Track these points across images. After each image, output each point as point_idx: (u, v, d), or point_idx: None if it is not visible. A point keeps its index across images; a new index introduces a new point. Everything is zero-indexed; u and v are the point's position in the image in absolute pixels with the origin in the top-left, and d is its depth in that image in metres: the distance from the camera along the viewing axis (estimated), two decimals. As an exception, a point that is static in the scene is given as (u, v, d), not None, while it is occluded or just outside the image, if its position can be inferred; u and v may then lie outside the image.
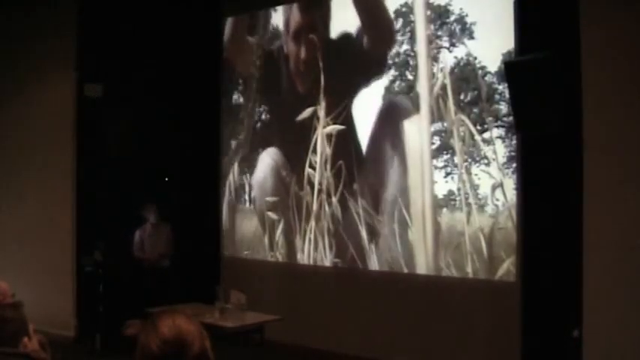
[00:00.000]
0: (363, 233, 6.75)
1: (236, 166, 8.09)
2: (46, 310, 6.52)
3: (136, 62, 7.47)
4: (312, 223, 7.19)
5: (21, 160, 7.97)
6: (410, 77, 6.48)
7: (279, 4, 7.66)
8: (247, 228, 7.93)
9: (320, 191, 7.13)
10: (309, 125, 7.21)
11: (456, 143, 6.09)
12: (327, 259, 7.07)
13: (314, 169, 7.18)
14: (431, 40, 6.30)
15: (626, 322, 4.42)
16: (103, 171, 7.31)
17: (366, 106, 6.78)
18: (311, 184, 7.22)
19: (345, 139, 6.92)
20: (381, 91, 6.68)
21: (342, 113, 6.96)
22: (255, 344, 6.02)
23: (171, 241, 7.33)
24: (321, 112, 7.12)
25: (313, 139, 7.18)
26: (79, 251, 7.27)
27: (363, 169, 6.77)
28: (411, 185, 6.40)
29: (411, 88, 6.47)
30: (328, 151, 7.04)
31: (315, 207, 7.17)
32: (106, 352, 6.59)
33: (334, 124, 7.01)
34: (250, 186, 7.92)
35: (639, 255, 4.37)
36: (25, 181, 7.94)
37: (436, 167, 6.23)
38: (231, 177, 8.15)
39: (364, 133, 6.79)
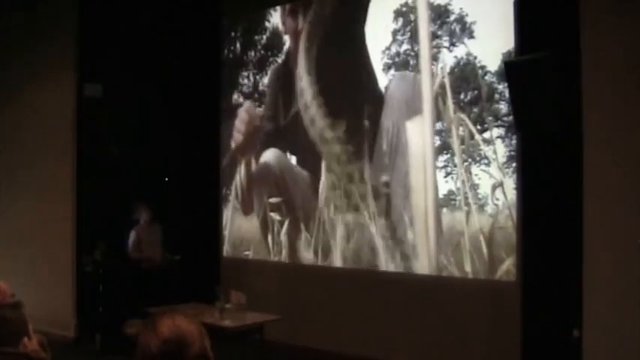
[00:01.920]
0: (365, 233, 6.75)
1: (236, 165, 8.09)
2: (46, 310, 6.53)
3: (136, 62, 7.48)
4: (313, 223, 7.19)
5: (21, 159, 7.97)
6: (410, 77, 6.47)
7: (278, 4, 7.66)
8: (248, 228, 7.93)
9: (322, 191, 7.13)
10: (314, 124, 7.21)
11: (456, 143, 6.09)
12: (327, 259, 7.06)
13: (316, 168, 7.18)
14: (431, 39, 6.30)
15: (626, 322, 4.42)
16: (103, 171, 7.31)
17: (369, 106, 6.78)
18: (314, 184, 7.22)
19: (349, 138, 6.92)
20: (382, 92, 6.68)
21: (345, 113, 6.96)
22: (255, 344, 6.02)
23: (163, 240, 7.33)
24: (326, 112, 7.12)
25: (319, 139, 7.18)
26: (79, 251, 7.27)
27: (366, 168, 6.76)
28: (413, 185, 6.40)
29: (411, 88, 6.46)
30: (333, 151, 7.04)
31: (316, 207, 7.17)
32: (106, 352, 6.58)
33: (339, 122, 7.01)
34: (251, 186, 7.92)
35: (639, 255, 4.36)
36: (25, 181, 7.95)
37: (436, 167, 6.23)
38: (232, 176, 8.15)
39: (367, 133, 6.78)
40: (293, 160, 7.48)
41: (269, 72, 7.77)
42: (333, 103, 7.05)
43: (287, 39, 7.59)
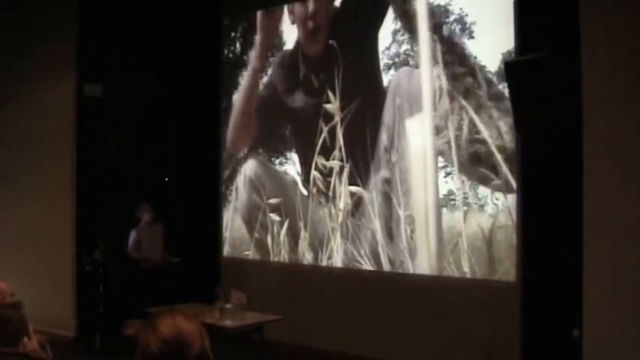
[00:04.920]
0: (365, 234, 6.74)
1: (236, 166, 8.09)
2: (46, 310, 6.53)
3: (136, 62, 7.48)
4: (314, 223, 7.19)
5: (21, 159, 7.96)
6: (410, 77, 6.47)
7: (279, 4, 7.66)
8: (248, 228, 7.92)
9: (323, 192, 7.13)
10: (315, 124, 7.19)
11: (456, 143, 6.09)
12: (327, 259, 7.06)
13: (318, 169, 7.18)
14: (431, 39, 6.29)
15: (626, 322, 4.42)
16: (103, 171, 7.31)
17: (371, 107, 6.78)
18: (314, 185, 7.22)
19: (352, 139, 6.91)
20: (384, 92, 6.67)
21: (347, 114, 6.95)
22: (255, 344, 6.02)
23: (164, 241, 7.31)
24: (327, 111, 7.12)
25: (318, 139, 7.16)
26: (79, 251, 7.27)
27: (367, 168, 6.76)
28: (413, 185, 6.40)
29: (411, 87, 6.46)
30: (335, 153, 7.02)
31: (317, 208, 7.16)
32: (106, 352, 6.58)
33: (341, 122, 6.99)
34: (252, 186, 7.91)
35: (639, 255, 4.37)
36: (25, 181, 7.94)
37: (437, 167, 6.22)
38: (233, 176, 8.15)
39: (370, 133, 6.76)
40: (295, 159, 7.48)
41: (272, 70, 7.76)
42: (339, 104, 7.05)
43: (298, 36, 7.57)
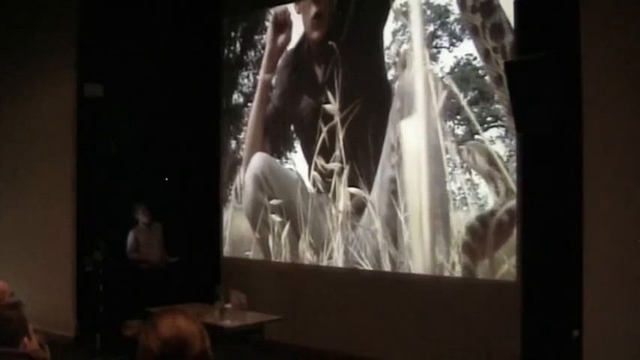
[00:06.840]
0: (366, 234, 6.74)
1: (237, 166, 8.09)
2: (46, 310, 6.53)
3: (136, 62, 7.47)
4: (315, 223, 7.19)
5: (21, 159, 7.97)
6: (410, 77, 6.47)
7: (279, 4, 7.65)
8: (249, 228, 7.91)
9: (323, 192, 7.13)
10: (315, 125, 7.19)
11: (456, 143, 6.09)
12: (327, 260, 7.06)
13: (318, 170, 7.17)
14: (431, 40, 6.30)
15: (626, 322, 4.42)
16: (103, 171, 7.30)
17: (373, 107, 6.77)
18: (314, 185, 7.22)
19: (354, 139, 6.91)
20: (387, 92, 6.67)
21: (349, 114, 6.95)
22: (255, 344, 6.02)
23: (163, 241, 7.31)
24: (327, 112, 7.11)
25: (318, 139, 7.16)
26: (79, 251, 7.27)
27: (367, 169, 6.76)
28: (415, 186, 6.40)
29: (411, 88, 6.46)
30: (335, 153, 7.02)
31: (317, 208, 7.16)
32: (106, 352, 6.58)
33: (341, 124, 6.99)
34: (255, 187, 7.90)
35: (639, 255, 4.37)
36: (25, 181, 7.94)
37: (437, 167, 6.22)
38: (234, 177, 8.15)
39: (372, 133, 6.76)
40: (295, 160, 7.48)
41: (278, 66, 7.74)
42: (339, 104, 7.04)
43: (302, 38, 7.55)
